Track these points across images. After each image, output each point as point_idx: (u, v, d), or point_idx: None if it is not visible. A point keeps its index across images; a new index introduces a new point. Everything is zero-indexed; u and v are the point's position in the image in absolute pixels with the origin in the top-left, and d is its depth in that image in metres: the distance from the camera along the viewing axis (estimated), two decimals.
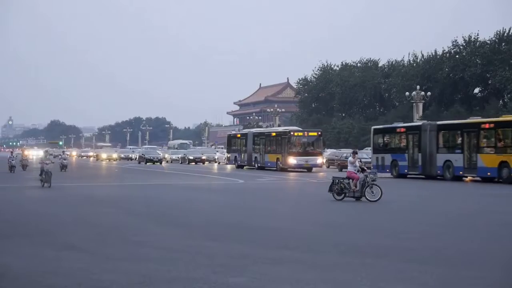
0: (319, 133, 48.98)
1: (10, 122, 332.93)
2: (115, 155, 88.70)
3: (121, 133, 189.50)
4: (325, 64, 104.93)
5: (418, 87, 71.97)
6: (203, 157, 71.06)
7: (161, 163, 69.99)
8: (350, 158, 22.82)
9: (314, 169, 47.07)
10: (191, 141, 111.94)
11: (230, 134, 63.49)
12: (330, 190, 22.23)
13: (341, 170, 46.31)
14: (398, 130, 41.24)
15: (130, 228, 14.68)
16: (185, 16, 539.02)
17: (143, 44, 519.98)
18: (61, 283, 8.82)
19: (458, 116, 63.28)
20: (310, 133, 48.83)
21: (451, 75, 76.79)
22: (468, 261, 10.60)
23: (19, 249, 11.61)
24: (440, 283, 8.85)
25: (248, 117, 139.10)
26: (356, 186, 21.79)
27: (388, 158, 40.28)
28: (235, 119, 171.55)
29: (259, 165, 51.56)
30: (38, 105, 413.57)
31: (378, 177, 22.47)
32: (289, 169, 46.78)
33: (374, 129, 44.28)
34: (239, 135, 59.74)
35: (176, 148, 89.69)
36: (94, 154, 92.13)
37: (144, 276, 9.09)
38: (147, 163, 68.49)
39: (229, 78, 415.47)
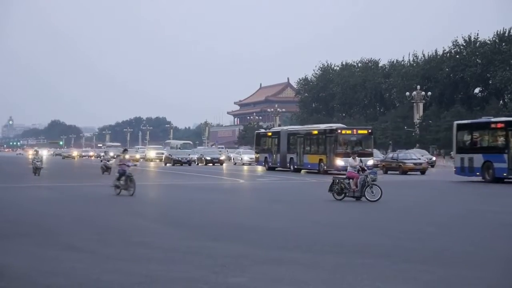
0: (370, 130, 43.56)
1: (10, 122, 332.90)
2: (138, 156, 78.05)
3: (121, 133, 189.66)
4: (326, 64, 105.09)
5: (418, 87, 72.00)
6: (221, 158, 64.53)
7: (190, 164, 61.33)
8: (351, 161, 22.65)
9: None
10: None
11: (259, 133, 57.24)
12: (330, 190, 22.23)
13: (386, 172, 43.25)
14: (493, 125, 34.56)
15: (130, 228, 14.69)
16: (186, 16, 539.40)
17: (143, 44, 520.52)
18: (62, 283, 8.83)
19: (459, 116, 63.27)
20: (360, 131, 43.21)
21: (451, 75, 76.91)
22: (469, 261, 10.60)
23: (20, 249, 11.61)
24: (441, 283, 8.85)
25: (248, 117, 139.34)
26: (356, 186, 21.78)
27: (478, 158, 34.00)
28: (236, 119, 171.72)
29: (295, 166, 46.12)
30: (38, 105, 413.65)
31: (377, 177, 22.45)
32: (334, 172, 40.43)
33: (458, 124, 37.33)
34: (270, 134, 53.53)
35: (179, 148, 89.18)
36: (114, 155, 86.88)
37: (144, 276, 9.09)
38: (175, 165, 60.13)
39: (230, 78, 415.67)
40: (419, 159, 45.42)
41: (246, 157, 63.68)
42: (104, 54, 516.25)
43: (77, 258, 10.64)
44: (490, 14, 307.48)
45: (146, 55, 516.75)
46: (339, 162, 40.39)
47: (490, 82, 74.60)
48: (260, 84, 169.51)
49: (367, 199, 21.55)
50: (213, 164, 62.32)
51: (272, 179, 37.14)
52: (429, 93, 72.61)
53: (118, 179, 23.57)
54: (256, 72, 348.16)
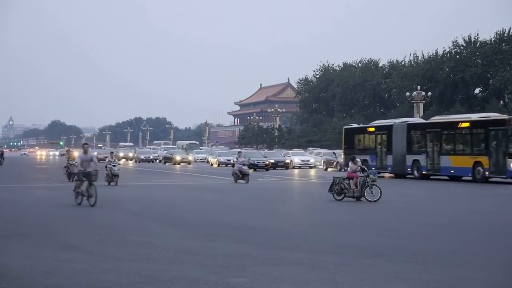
0: None
1: (10, 122, 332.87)
2: (190, 157, 70.92)
3: (121, 133, 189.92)
4: (326, 65, 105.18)
5: (418, 87, 72.01)
6: (287, 161, 55.03)
7: (267, 169, 50.03)
8: (352, 165, 22.52)
9: None
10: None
11: (350, 128, 45.62)
12: (330, 190, 22.23)
13: None
14: None
15: (130, 228, 14.69)
16: (187, 16, 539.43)
17: (144, 43, 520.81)
18: (62, 283, 8.82)
19: None
20: None
21: (451, 75, 76.84)
22: (468, 261, 10.60)
23: (20, 249, 11.61)
24: (440, 283, 8.84)
25: (248, 117, 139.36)
26: (356, 186, 21.78)
27: None
28: (236, 119, 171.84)
29: (423, 172, 35.90)
30: (38, 105, 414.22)
31: (377, 177, 22.46)
32: (500, 179, 32.05)
33: None
34: (371, 129, 42.02)
35: (185, 149, 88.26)
36: (161, 156, 74.37)
37: (144, 276, 9.09)
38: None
39: (230, 79, 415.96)
40: None
41: (297, 159, 56.37)
42: (104, 54, 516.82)
43: (77, 258, 10.64)
44: (490, 14, 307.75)
45: (147, 55, 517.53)
46: None
47: (490, 82, 74.58)
48: (260, 85, 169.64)
49: (366, 199, 21.56)
50: (274, 168, 52.58)
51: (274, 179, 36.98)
52: (429, 93, 72.62)
53: None
54: (256, 72, 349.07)
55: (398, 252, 11.29)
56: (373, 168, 36.53)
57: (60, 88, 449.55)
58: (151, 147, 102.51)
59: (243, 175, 32.56)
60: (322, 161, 55.10)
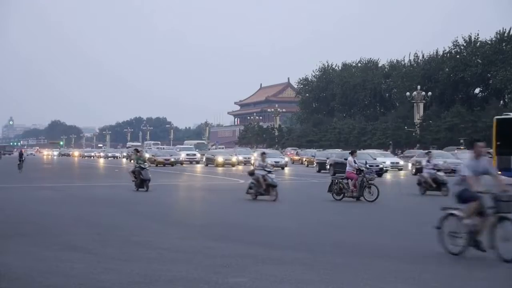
0: None
1: (11, 122, 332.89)
2: (234, 159, 61.51)
3: (121, 133, 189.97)
4: (326, 65, 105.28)
5: (418, 87, 72.11)
6: (385, 166, 41.53)
7: (380, 175, 37.18)
8: (350, 159, 22.60)
9: None
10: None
11: (508, 119, 31.86)
12: (330, 190, 22.26)
13: None
14: None
15: (130, 228, 14.69)
16: (187, 15, 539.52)
17: (144, 43, 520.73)
18: (62, 283, 8.82)
19: (459, 116, 63.37)
20: None
21: (451, 75, 76.93)
22: (468, 261, 10.60)
23: (20, 249, 11.61)
24: (440, 283, 8.85)
25: (248, 117, 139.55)
26: (355, 186, 21.81)
27: None
28: (236, 119, 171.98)
29: None
30: (38, 105, 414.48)
31: (375, 176, 22.50)
32: None
33: None
34: None
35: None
36: (204, 156, 64.28)
37: (144, 276, 9.10)
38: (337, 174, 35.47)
39: (230, 78, 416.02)
40: None
41: (388, 162, 45.37)
42: (105, 54, 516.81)
43: (78, 258, 10.64)
44: (490, 14, 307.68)
45: (147, 54, 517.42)
46: None
47: (491, 82, 74.65)
48: (261, 84, 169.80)
49: (365, 199, 21.57)
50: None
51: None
52: (429, 93, 72.67)
53: None
54: (256, 72, 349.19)
55: (398, 252, 11.29)
56: None
57: (60, 88, 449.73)
58: (181, 146, 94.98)
59: (438, 185, 23.81)
60: (410, 164, 44.70)
